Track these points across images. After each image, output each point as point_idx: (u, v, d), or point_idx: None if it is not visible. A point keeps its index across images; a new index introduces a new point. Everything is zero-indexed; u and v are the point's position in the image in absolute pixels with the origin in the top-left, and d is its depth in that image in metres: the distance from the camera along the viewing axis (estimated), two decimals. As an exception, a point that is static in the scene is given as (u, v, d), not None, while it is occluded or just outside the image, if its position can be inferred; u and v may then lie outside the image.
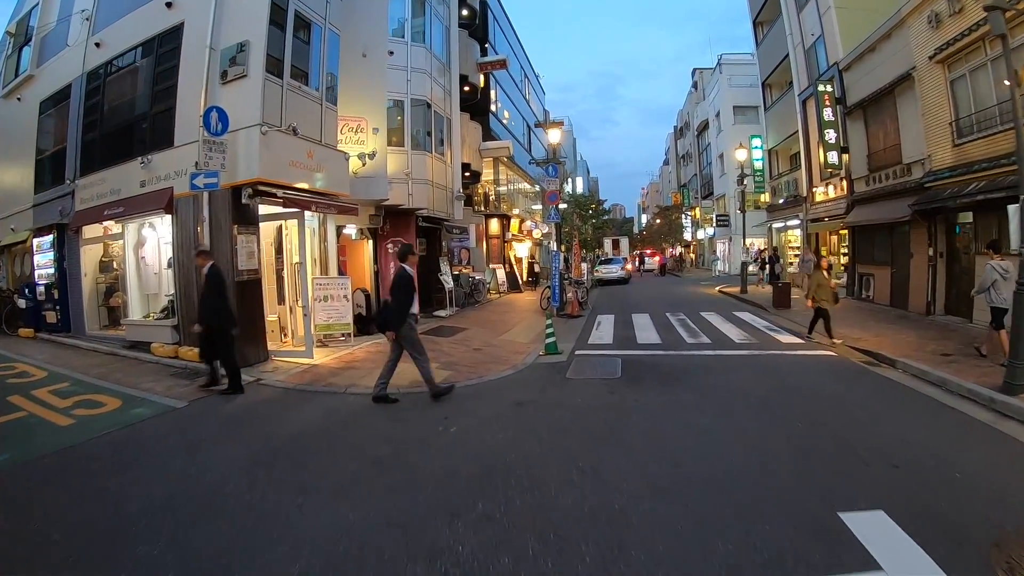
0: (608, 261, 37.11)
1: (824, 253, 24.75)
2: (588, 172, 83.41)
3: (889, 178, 18.22)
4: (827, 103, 21.94)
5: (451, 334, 14.06)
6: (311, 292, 11.97)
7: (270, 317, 12.26)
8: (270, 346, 11.50)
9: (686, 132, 66.60)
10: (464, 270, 22.20)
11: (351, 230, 15.79)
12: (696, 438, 6.26)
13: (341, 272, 14.65)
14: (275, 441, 6.48)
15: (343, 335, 12.76)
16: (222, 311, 8.62)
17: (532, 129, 39.46)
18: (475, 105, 24.37)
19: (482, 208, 27.40)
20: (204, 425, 7.28)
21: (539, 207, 41.52)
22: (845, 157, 21.57)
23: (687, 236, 61.54)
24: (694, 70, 66.11)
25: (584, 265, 33.17)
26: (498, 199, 29.92)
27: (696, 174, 59.62)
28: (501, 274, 26.15)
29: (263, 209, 10.88)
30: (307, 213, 11.41)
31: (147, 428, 7.15)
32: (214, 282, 8.58)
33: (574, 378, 9.37)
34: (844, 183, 22.19)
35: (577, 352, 11.65)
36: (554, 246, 19.34)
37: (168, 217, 11.20)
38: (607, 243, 47.57)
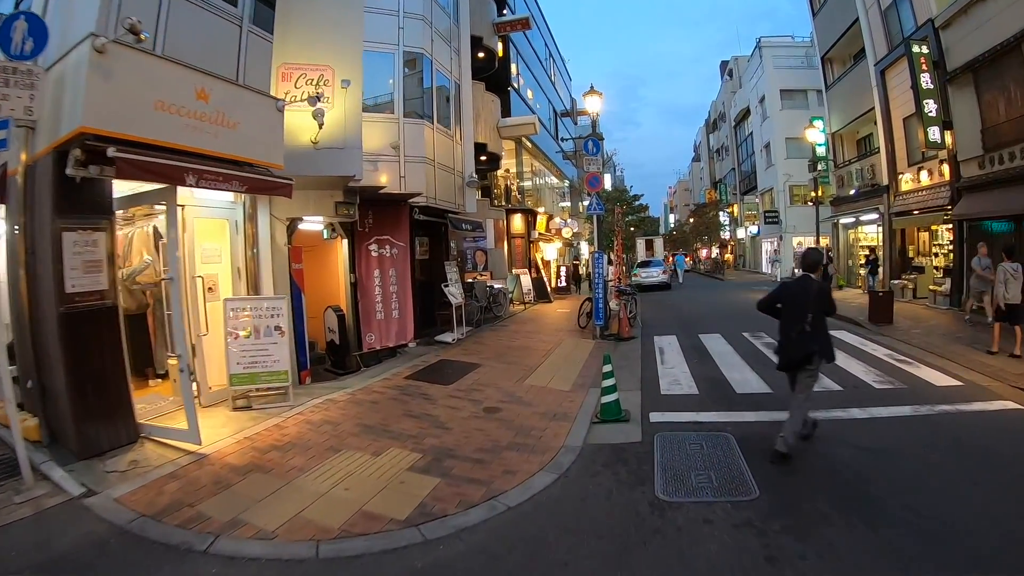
0: (647, 263, 32.47)
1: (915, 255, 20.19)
2: (615, 170, 78.60)
3: (1016, 158, 14.33)
4: (924, 68, 17.65)
5: (454, 377, 9.67)
6: (203, 323, 7.74)
7: (171, 361, 8.06)
8: (151, 413, 7.28)
9: (720, 124, 62.08)
10: (480, 277, 17.85)
11: (314, 225, 11.53)
12: None
13: (296, 287, 10.38)
14: None
15: (278, 390, 8.43)
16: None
17: (559, 118, 35.04)
18: (492, 77, 20.07)
19: (502, 202, 23.11)
20: None
21: (567, 204, 37.07)
22: (948, 135, 17.35)
23: (725, 235, 56.67)
24: (723, 63, 62.09)
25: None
26: (521, 193, 25.56)
27: (734, 168, 54.99)
28: (527, 280, 21.74)
29: (124, 188, 6.62)
30: (198, 192, 7.18)
31: None
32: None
33: (672, 500, 4.87)
34: (944, 167, 17.94)
35: (653, 415, 7.21)
36: (592, 246, 14.92)
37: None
38: (640, 244, 42.87)
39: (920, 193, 19.37)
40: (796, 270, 28.28)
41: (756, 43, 43.84)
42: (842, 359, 10.10)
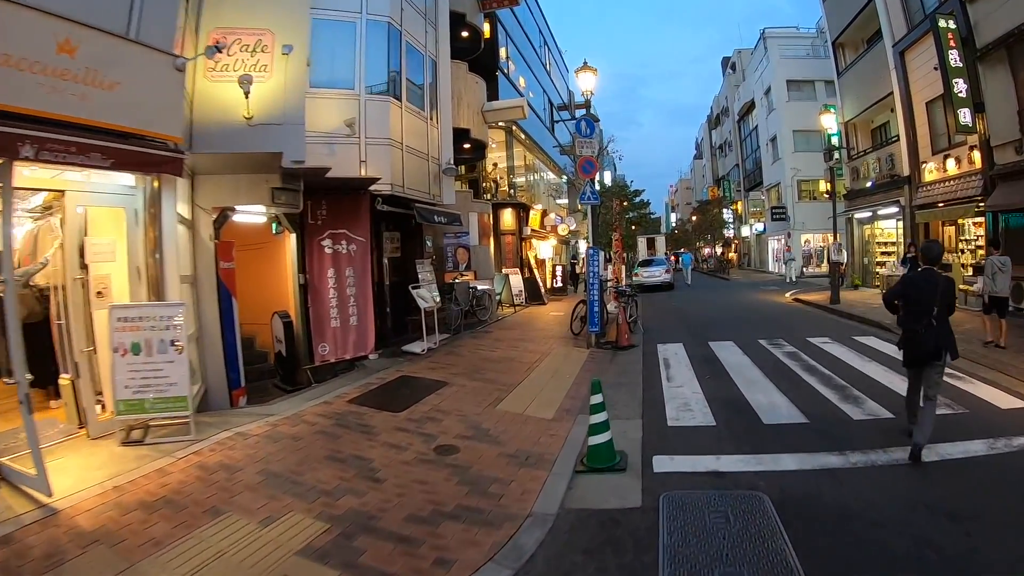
0: (649, 262, 30.54)
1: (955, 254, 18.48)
2: (616, 168, 76.65)
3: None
4: (951, 44, 16.04)
5: (410, 400, 7.81)
6: (86, 337, 6.08)
7: (62, 380, 6.38)
8: (21, 447, 5.54)
9: (724, 119, 60.34)
10: (464, 277, 16.05)
11: (255, 217, 9.81)
12: None
13: (225, 290, 8.64)
14: None
15: (177, 419, 6.64)
16: None
17: (555, 110, 33.21)
18: (478, 60, 18.31)
19: (492, 195, 21.34)
20: None
21: (565, 201, 35.15)
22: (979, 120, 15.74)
23: (729, 233, 54.80)
24: (725, 59, 60.32)
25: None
26: (513, 187, 23.77)
27: (737, 164, 53.23)
28: (517, 281, 19.91)
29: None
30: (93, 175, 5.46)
31: None
32: None
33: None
34: (975, 154, 16.30)
35: (657, 460, 5.41)
36: (589, 241, 13.18)
37: None
38: (641, 242, 41.00)
39: (947, 183, 17.67)
40: (803, 268, 26.68)
41: (760, 34, 42.17)
42: (881, 373, 8.45)
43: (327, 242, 10.32)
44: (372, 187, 10.79)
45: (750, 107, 45.89)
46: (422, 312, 11.30)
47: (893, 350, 10.24)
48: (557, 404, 7.46)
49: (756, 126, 44.54)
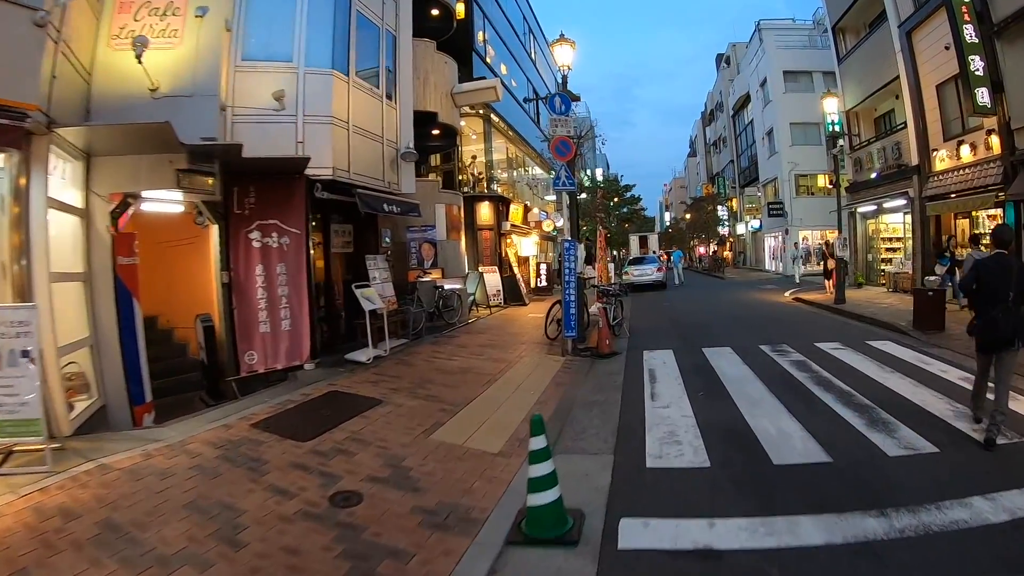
0: (640, 260, 28.94)
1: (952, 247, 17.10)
2: (608, 167, 74.62)
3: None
4: (967, 19, 14.71)
5: (328, 423, 6.23)
6: None
7: None
8: None
9: (718, 115, 58.97)
10: (432, 275, 14.49)
11: (169, 206, 8.33)
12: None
13: (124, 290, 7.17)
14: None
15: (32, 448, 5.12)
16: None
17: (540, 102, 31.64)
18: (451, 41, 16.83)
19: (469, 188, 19.84)
20: None
21: (554, 198, 33.43)
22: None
23: (724, 231, 53.31)
24: (719, 56, 58.89)
25: (609, 266, 25.21)
26: (494, 180, 22.19)
27: (732, 160, 51.85)
28: (494, 280, 18.38)
29: None
30: None
31: None
32: None
33: None
34: (993, 139, 14.83)
35: (625, 526, 3.86)
36: (565, 232, 11.70)
37: None
38: (633, 240, 39.42)
39: (961, 172, 16.24)
40: (803, 265, 25.18)
41: (755, 26, 40.77)
42: (908, 388, 6.96)
43: (255, 234, 8.81)
44: (311, 171, 9.28)
45: (745, 101, 44.49)
46: (366, 315, 9.76)
47: (915, 357, 8.84)
48: (510, 432, 5.93)
49: (751, 120, 43.13)
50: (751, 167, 44.45)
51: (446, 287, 14.27)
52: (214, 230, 8.76)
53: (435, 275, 14.59)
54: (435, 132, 15.70)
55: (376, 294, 10.06)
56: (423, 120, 14.24)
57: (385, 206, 11.15)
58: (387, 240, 12.95)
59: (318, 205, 10.25)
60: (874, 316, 13.42)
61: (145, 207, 8.01)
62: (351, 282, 11.01)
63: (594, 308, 11.76)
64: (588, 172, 42.06)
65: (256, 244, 8.78)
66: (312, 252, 9.87)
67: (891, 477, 4.47)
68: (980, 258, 6.16)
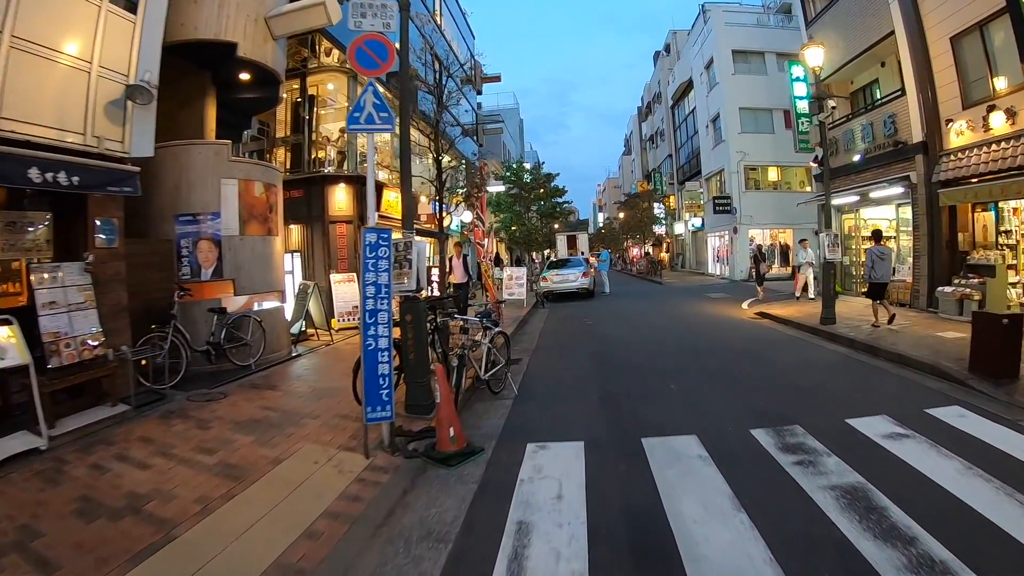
0: (563, 263, 23.72)
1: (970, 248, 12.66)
2: (540, 163, 69.22)
3: None
4: None
5: None
6: None
7: None
8: None
9: (655, 107, 54.88)
10: (219, 289, 8.83)
11: None
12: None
13: None
14: None
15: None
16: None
17: (450, 77, 25.79)
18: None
19: (325, 167, 14.22)
20: None
21: (463, 188, 27.63)
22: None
23: (660, 230, 48.89)
24: (656, 53, 54.79)
25: (515, 272, 19.56)
26: (349, 155, 16.24)
27: (670, 155, 47.69)
28: (351, 293, 12.67)
29: None
30: None
31: None
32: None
33: None
34: (1031, 107, 10.44)
35: None
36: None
37: None
38: (561, 240, 34.30)
39: (990, 148, 11.71)
40: (763, 268, 20.35)
41: (700, 9, 36.41)
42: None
43: None
44: None
45: (687, 88, 40.23)
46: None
47: (979, 427, 3.98)
48: None
49: (694, 108, 38.89)
50: (692, 160, 40.30)
51: (231, 314, 8.65)
52: None
53: (226, 291, 8.94)
54: (244, 78, 10.07)
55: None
56: (217, 56, 8.78)
57: (34, 174, 5.39)
58: (109, 237, 7.19)
59: None
60: (897, 350, 8.59)
61: None
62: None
63: (437, 369, 6.52)
64: (513, 162, 36.59)
65: None
66: None
67: None
68: None
